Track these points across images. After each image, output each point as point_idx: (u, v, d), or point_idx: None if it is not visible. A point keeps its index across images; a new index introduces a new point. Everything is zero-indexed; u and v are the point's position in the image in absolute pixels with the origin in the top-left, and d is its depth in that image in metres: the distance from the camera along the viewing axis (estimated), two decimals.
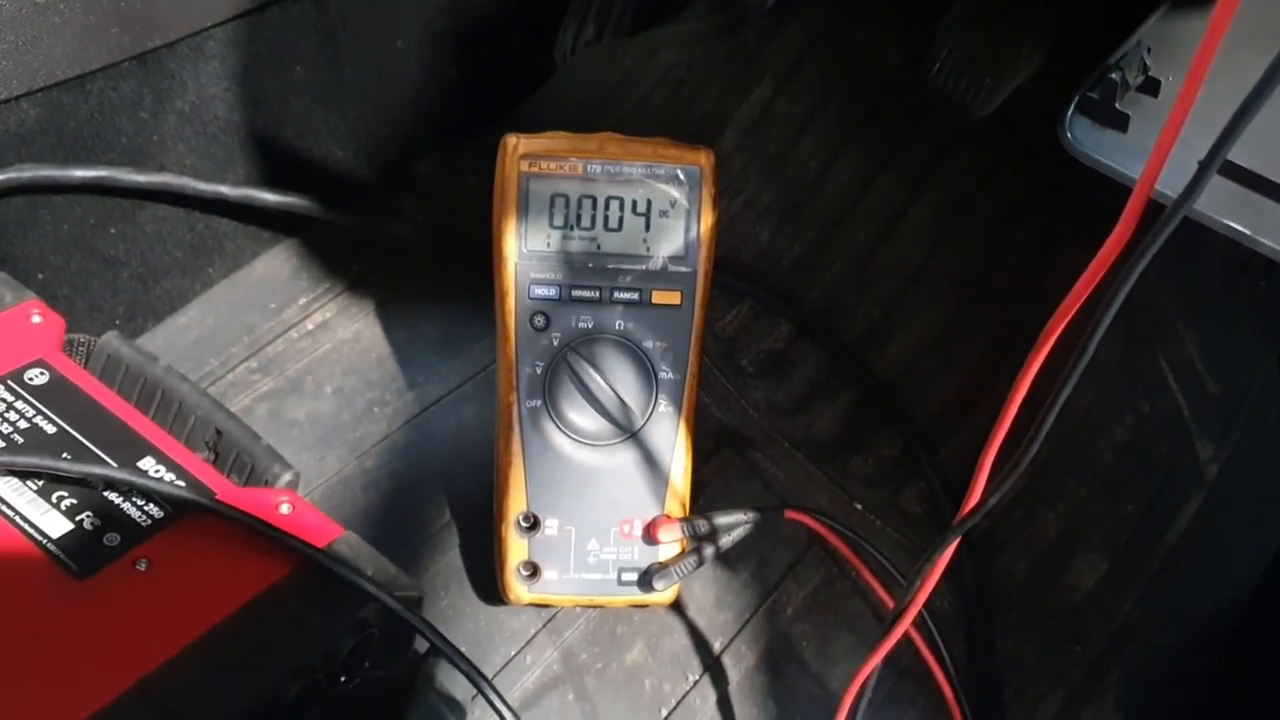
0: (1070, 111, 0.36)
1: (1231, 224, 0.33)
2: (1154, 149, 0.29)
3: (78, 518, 0.43)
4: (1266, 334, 0.63)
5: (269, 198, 0.65)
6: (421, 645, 0.50)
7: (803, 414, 0.66)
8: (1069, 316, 0.32)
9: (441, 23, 0.71)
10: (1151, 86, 0.37)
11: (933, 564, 0.41)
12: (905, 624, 0.43)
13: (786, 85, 0.73)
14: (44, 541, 0.42)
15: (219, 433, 0.50)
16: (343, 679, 0.45)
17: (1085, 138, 0.35)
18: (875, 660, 0.45)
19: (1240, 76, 0.29)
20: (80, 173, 0.58)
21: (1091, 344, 0.32)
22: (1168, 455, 0.64)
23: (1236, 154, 0.33)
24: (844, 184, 0.73)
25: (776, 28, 0.74)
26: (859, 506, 0.62)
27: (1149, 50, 0.37)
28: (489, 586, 0.55)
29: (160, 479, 0.46)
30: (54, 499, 0.44)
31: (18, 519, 0.43)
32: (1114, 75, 0.35)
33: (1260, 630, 0.59)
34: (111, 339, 0.53)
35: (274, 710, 0.42)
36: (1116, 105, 0.35)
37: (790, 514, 0.56)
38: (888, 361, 0.68)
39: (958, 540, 0.40)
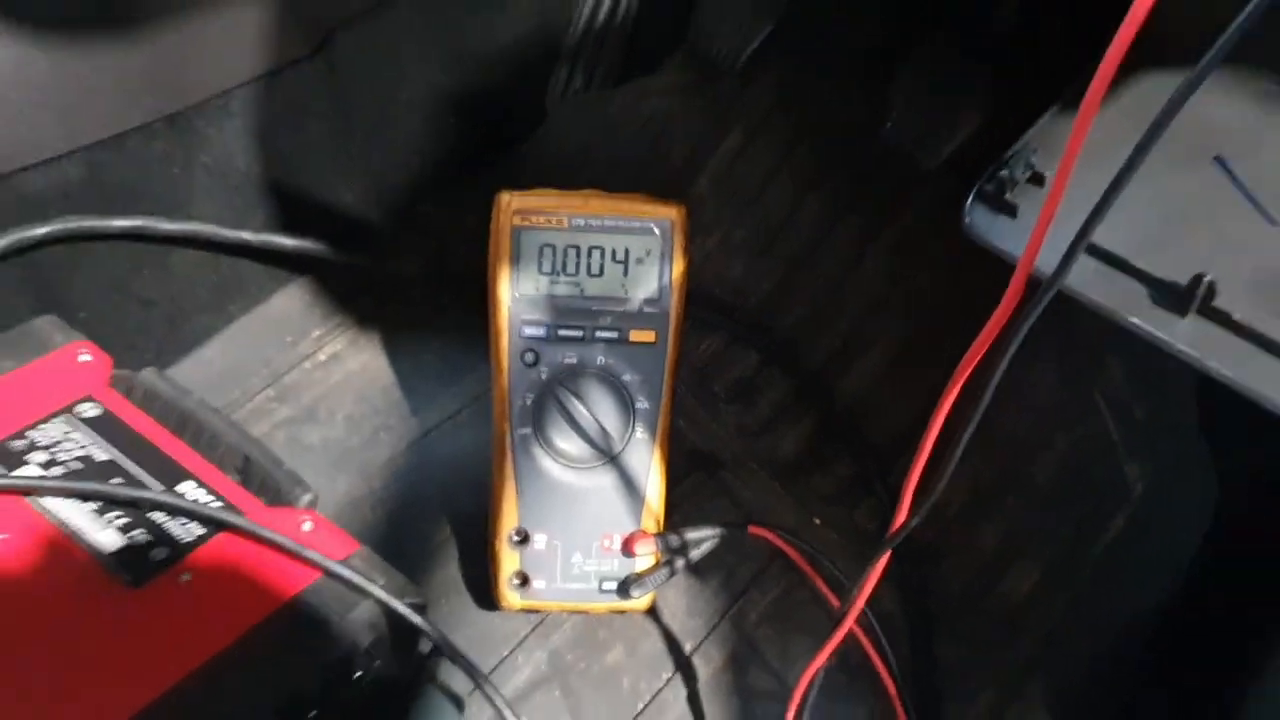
0: (970, 200, 0.42)
1: (1098, 300, 0.39)
2: (1030, 239, 0.36)
3: (130, 535, 0.50)
4: (1185, 365, 0.70)
5: (286, 241, 0.72)
6: (425, 646, 0.56)
7: (769, 437, 0.72)
8: (967, 374, 0.38)
9: (443, 77, 0.78)
10: (1038, 179, 0.44)
11: (867, 574, 0.48)
12: (847, 625, 0.50)
13: (756, 135, 0.79)
14: (101, 555, 0.49)
15: (246, 459, 0.57)
16: (356, 675, 0.51)
17: (981, 223, 0.41)
18: (821, 657, 0.52)
19: (1108, 175, 0.35)
20: (118, 223, 0.65)
21: (984, 399, 0.38)
22: (1099, 475, 0.70)
23: (1103, 238, 0.39)
24: (809, 225, 0.79)
25: (747, 83, 0.81)
26: (818, 522, 0.69)
27: (1035, 151, 0.43)
28: (485, 594, 0.61)
29: (198, 501, 0.52)
30: (109, 518, 0.50)
31: (78, 536, 0.49)
32: (1004, 172, 0.41)
33: (1177, 634, 0.65)
34: (149, 375, 0.59)
35: (300, 702, 0.49)
36: (1006, 197, 0.41)
37: (754, 530, 0.62)
38: (847, 387, 0.75)
39: (889, 552, 0.47)
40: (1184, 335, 0.37)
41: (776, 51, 0.80)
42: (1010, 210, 0.41)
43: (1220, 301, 0.36)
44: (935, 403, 0.72)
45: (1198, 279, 0.36)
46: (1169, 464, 0.70)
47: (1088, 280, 0.38)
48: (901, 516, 0.45)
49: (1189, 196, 0.39)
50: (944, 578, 0.66)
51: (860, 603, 0.48)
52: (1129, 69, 0.38)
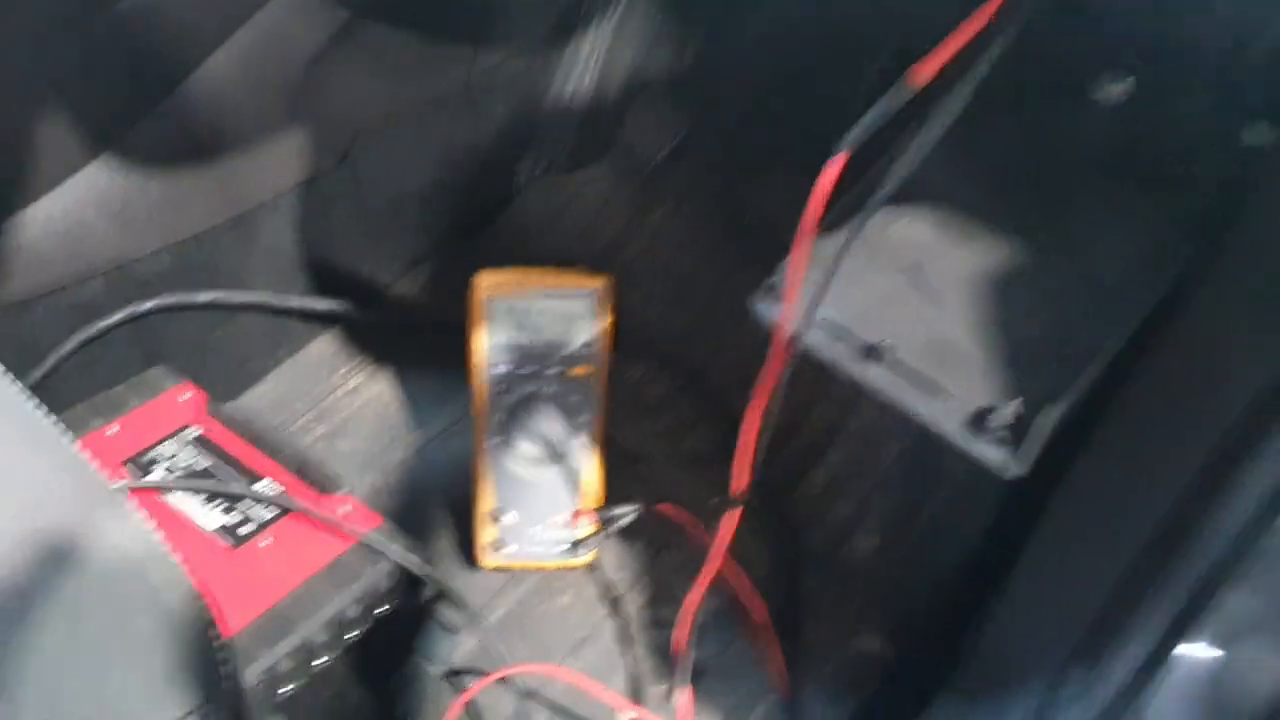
0: (755, 295, 0.65)
1: (824, 355, 0.61)
2: (782, 318, 0.60)
3: (227, 516, 0.74)
4: None
5: (319, 304, 0.96)
6: (428, 592, 0.80)
7: (680, 440, 0.96)
8: (765, 397, 0.61)
9: (436, 172, 1.01)
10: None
11: (717, 526, 0.71)
12: (714, 564, 0.73)
13: (673, 212, 1.03)
14: (209, 529, 0.73)
15: (300, 462, 0.81)
16: (379, 610, 0.75)
17: (761, 309, 0.64)
18: (698, 591, 0.75)
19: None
20: (200, 297, 0.88)
21: (764, 439, 0.62)
22: (932, 461, 0.94)
23: (833, 315, 0.62)
24: (713, 280, 1.03)
25: (671, 170, 1.05)
26: (714, 501, 0.92)
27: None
28: (470, 556, 0.86)
29: (270, 493, 0.77)
30: (212, 506, 0.75)
31: (193, 517, 0.74)
32: (774, 278, 0.64)
33: (984, 573, 0.88)
34: (227, 408, 0.84)
35: (341, 626, 0.73)
36: (776, 293, 0.63)
37: (662, 507, 0.87)
38: (741, 405, 0.99)
39: (740, 508, 0.69)
40: (875, 377, 0.60)
41: (691, 149, 1.04)
42: (778, 299, 0.63)
43: (901, 356, 0.60)
44: (801, 417, 0.96)
45: (882, 343, 0.60)
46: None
47: (820, 342, 0.61)
48: (743, 481, 0.68)
49: (893, 290, 0.63)
50: (809, 538, 0.90)
51: (722, 546, 0.72)
52: (842, 212, 0.62)
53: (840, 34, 0.92)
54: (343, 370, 0.97)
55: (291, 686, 0.69)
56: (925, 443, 0.91)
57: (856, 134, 0.54)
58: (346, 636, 0.72)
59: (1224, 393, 0.59)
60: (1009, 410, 0.58)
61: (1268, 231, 0.58)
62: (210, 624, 0.44)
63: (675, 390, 0.99)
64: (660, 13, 1.01)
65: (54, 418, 0.39)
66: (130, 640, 0.36)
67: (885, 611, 0.87)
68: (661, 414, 0.98)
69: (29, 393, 0.39)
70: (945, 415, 0.60)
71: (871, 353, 0.61)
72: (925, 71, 0.54)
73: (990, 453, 0.59)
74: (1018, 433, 0.59)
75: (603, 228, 1.06)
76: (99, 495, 0.38)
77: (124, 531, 0.37)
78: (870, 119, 0.54)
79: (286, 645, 0.68)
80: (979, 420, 0.59)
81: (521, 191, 1.07)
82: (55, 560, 0.36)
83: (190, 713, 0.36)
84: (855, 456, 0.93)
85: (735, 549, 0.85)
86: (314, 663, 0.70)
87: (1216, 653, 0.63)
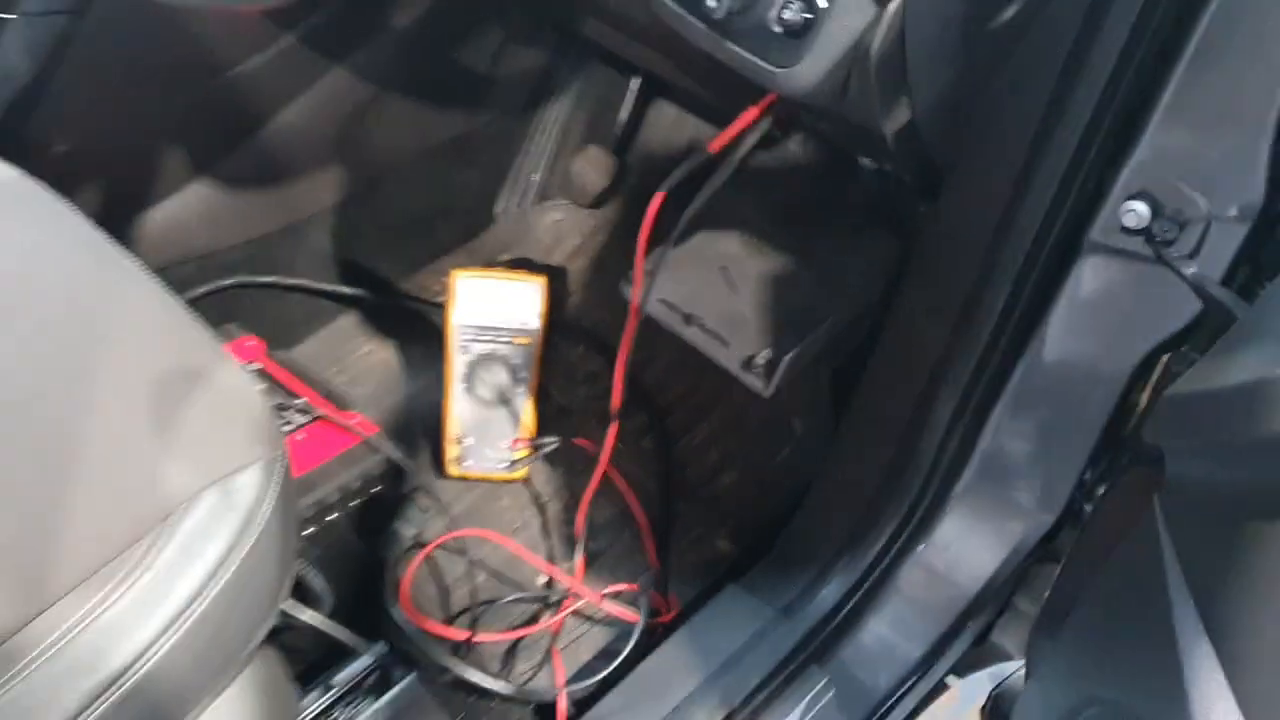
0: (621, 282, 1.02)
1: (659, 318, 0.98)
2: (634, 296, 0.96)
3: (280, 417, 1.11)
4: (820, 368, 1.29)
5: (347, 289, 1.33)
6: (409, 485, 1.16)
7: (599, 400, 1.32)
8: (622, 361, 0.97)
9: (438, 200, 1.38)
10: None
11: (604, 444, 1.07)
12: (601, 465, 1.08)
13: (610, 233, 1.40)
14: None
15: (328, 391, 1.17)
16: (375, 489, 1.11)
17: (624, 291, 1.01)
18: (591, 488, 1.11)
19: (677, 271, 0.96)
20: (262, 279, 1.26)
21: (625, 373, 0.98)
22: (786, 423, 1.29)
23: (667, 295, 0.99)
24: None
25: (600, 205, 1.41)
26: (621, 446, 1.28)
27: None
28: (439, 467, 1.21)
29: (310, 408, 1.13)
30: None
31: None
32: (630, 273, 1.01)
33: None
34: (281, 353, 1.20)
35: (346, 496, 1.08)
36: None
37: (577, 440, 1.22)
38: (649, 378, 1.34)
39: (616, 422, 1.05)
40: (691, 335, 0.96)
41: (623, 188, 1.41)
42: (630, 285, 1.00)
43: (706, 322, 0.96)
44: (691, 389, 1.32)
45: (694, 314, 0.96)
46: (814, 417, 1.29)
47: (657, 311, 0.97)
48: (616, 402, 1.04)
49: (705, 281, 0.99)
50: (688, 473, 1.25)
51: (606, 451, 1.07)
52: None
53: None
54: (361, 337, 1.33)
55: (310, 529, 1.04)
56: (778, 410, 1.26)
57: (669, 182, 0.90)
58: (350, 503, 1.08)
59: (916, 356, 0.94)
60: (763, 356, 0.94)
61: (927, 261, 0.93)
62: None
63: (602, 366, 1.35)
64: (601, 92, 1.39)
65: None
66: (242, 420, 0.71)
67: (735, 525, 1.22)
68: (589, 383, 1.34)
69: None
70: (729, 359, 0.96)
71: (689, 319, 0.97)
72: (717, 144, 0.90)
73: (753, 381, 0.95)
74: (770, 370, 0.94)
75: (558, 245, 1.42)
76: (218, 349, 0.74)
77: (233, 368, 0.73)
78: (678, 173, 0.90)
79: (310, 500, 1.03)
80: (748, 362, 0.95)
81: (497, 218, 1.45)
82: (197, 375, 0.71)
83: (274, 459, 0.70)
84: (729, 419, 1.29)
85: (630, 480, 1.21)
86: (327, 517, 1.06)
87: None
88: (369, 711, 0.85)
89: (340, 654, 0.93)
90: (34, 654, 0.61)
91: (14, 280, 0.71)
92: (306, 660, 0.96)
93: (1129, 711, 0.74)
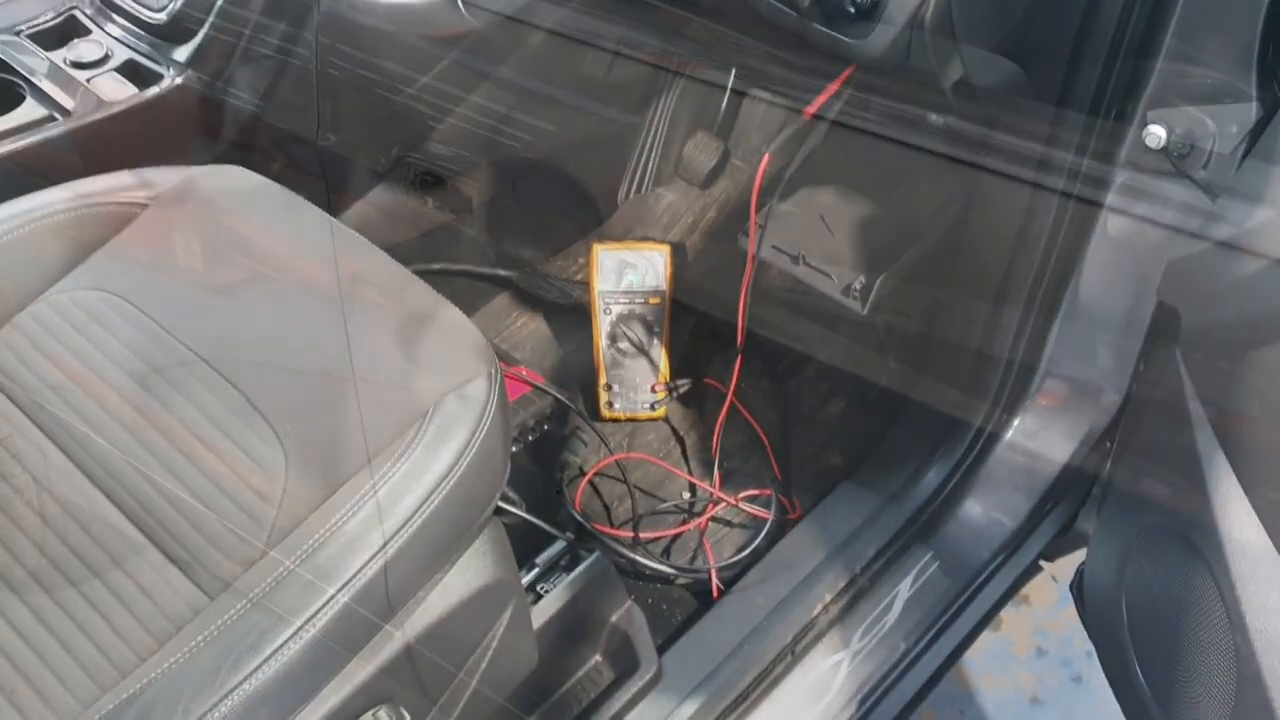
0: (739, 235, 1.23)
1: (770, 261, 1.18)
2: (750, 244, 1.17)
3: None
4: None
5: (501, 272, 1.58)
6: (573, 423, 1.39)
7: (721, 349, 1.53)
8: (743, 299, 1.18)
9: (572, 191, 1.62)
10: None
11: (730, 381, 1.29)
12: (730, 395, 1.30)
13: (718, 211, 1.62)
14: None
15: (499, 356, 1.41)
16: (546, 425, 1.34)
17: (741, 242, 1.22)
18: (723, 414, 1.33)
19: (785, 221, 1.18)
20: (433, 266, 1.51)
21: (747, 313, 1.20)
22: (883, 357, 1.48)
23: (778, 241, 1.19)
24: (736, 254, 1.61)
25: (713, 183, 1.64)
26: (744, 385, 1.49)
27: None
28: (594, 411, 1.45)
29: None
30: None
31: None
32: (745, 225, 1.22)
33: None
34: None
35: (524, 430, 1.32)
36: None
37: (707, 380, 1.45)
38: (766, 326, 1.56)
39: (739, 359, 1.27)
40: (800, 272, 1.17)
41: (728, 168, 1.63)
42: (747, 235, 1.21)
43: (810, 260, 1.17)
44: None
45: (801, 254, 1.17)
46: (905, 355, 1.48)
47: (769, 255, 1.18)
48: (740, 339, 1.26)
49: (808, 227, 1.20)
50: (801, 404, 1.46)
51: (733, 382, 1.29)
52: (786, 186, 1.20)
53: None
54: (514, 312, 1.58)
55: None
56: (876, 342, 1.46)
57: (774, 144, 1.12)
58: (527, 438, 1.32)
59: (991, 270, 1.14)
60: (859, 282, 1.15)
61: (986, 196, 1.12)
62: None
63: (720, 323, 1.57)
64: (702, 85, 1.61)
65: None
66: (466, 344, 0.95)
67: (844, 444, 1.43)
68: (712, 337, 1.56)
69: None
70: (830, 288, 1.17)
71: (797, 260, 1.19)
72: (811, 110, 1.11)
73: (852, 303, 1.15)
74: (865, 294, 1.15)
75: (675, 223, 1.65)
76: (439, 296, 0.98)
77: (453, 309, 0.98)
78: (781, 137, 1.11)
79: None
80: (847, 289, 1.16)
81: (620, 204, 1.68)
82: (429, 316, 0.96)
83: (493, 372, 0.94)
84: (834, 358, 1.49)
85: (753, 410, 1.42)
86: (512, 448, 1.30)
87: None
88: (565, 582, 1.08)
89: (534, 547, 1.16)
90: (339, 515, 0.85)
91: (289, 260, 0.96)
92: None
93: (1168, 528, 0.93)
